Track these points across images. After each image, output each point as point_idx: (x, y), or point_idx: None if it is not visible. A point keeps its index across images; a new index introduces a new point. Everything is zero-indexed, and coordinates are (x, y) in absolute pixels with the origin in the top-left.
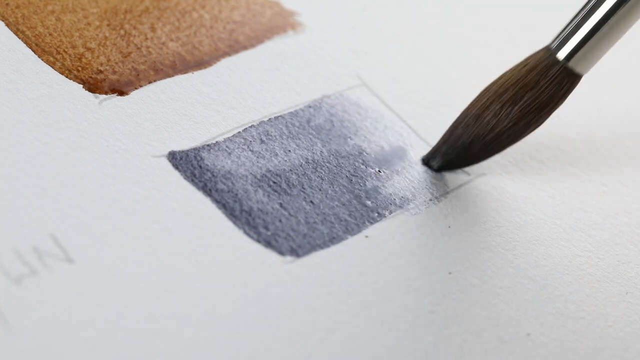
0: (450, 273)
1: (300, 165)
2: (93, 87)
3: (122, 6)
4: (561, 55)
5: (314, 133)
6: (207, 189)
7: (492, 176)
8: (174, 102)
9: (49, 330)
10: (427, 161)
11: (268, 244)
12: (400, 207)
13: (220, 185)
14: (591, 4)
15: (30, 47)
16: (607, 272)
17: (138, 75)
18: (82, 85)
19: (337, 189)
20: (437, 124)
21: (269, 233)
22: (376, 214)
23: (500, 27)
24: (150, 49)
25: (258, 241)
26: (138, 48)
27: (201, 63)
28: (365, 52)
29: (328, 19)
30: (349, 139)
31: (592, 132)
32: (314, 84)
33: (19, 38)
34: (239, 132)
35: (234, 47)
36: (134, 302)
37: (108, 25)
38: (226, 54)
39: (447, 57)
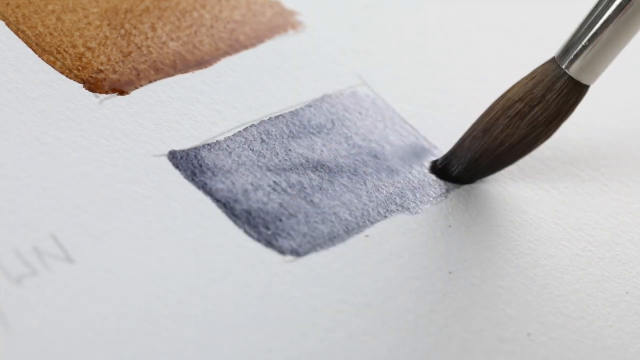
0: (450, 273)
1: (301, 165)
2: (93, 86)
3: (123, 6)
4: (567, 67)
5: (315, 132)
6: (208, 188)
7: (492, 176)
8: (174, 101)
9: (49, 330)
10: (437, 170)
11: (268, 243)
12: (401, 206)
13: (220, 185)
14: (594, 11)
15: (31, 47)
16: (608, 271)
17: (138, 74)
18: (82, 85)
19: (337, 188)
20: (438, 123)
21: (269, 232)
22: (376, 213)
23: (501, 26)
24: (150, 49)
25: (258, 240)
26: (138, 47)
27: (202, 62)
28: (366, 52)
29: (328, 18)
30: (349, 139)
31: (592, 132)
32: (314, 83)
33: (20, 38)
34: (240, 131)
35: (235, 47)
36: (134, 302)
37: (108, 24)
38: (227, 53)
39: (447, 56)
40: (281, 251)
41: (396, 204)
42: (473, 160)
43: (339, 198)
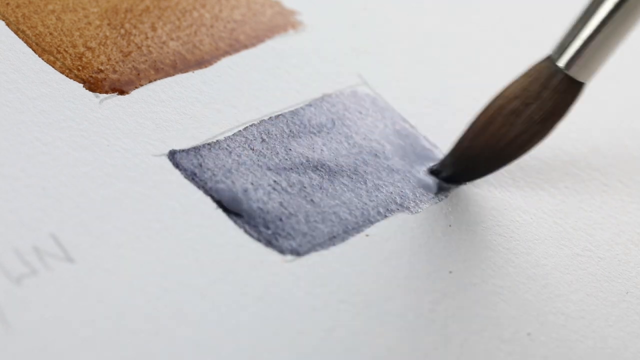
0: (450, 272)
1: (301, 164)
2: (93, 86)
3: (123, 5)
4: (562, 64)
5: (315, 132)
6: (208, 188)
7: (493, 175)
8: (174, 101)
9: (49, 330)
10: (435, 172)
11: (268, 243)
12: (401, 205)
13: (220, 184)
14: (589, 9)
15: (31, 47)
16: (608, 271)
17: (138, 74)
18: (82, 85)
19: (337, 188)
20: (438, 123)
21: (269, 232)
22: (376, 213)
23: (501, 26)
24: (150, 48)
25: (258, 240)
26: (138, 47)
27: (202, 62)
28: (366, 51)
29: (328, 18)
30: (349, 138)
31: (592, 131)
32: (314, 82)
33: (20, 37)
34: (240, 130)
35: (235, 46)
36: (134, 302)
37: (108, 24)
38: (227, 53)
39: (447, 55)
40: (281, 251)
41: (396, 203)
42: (471, 159)
43: (339, 197)
